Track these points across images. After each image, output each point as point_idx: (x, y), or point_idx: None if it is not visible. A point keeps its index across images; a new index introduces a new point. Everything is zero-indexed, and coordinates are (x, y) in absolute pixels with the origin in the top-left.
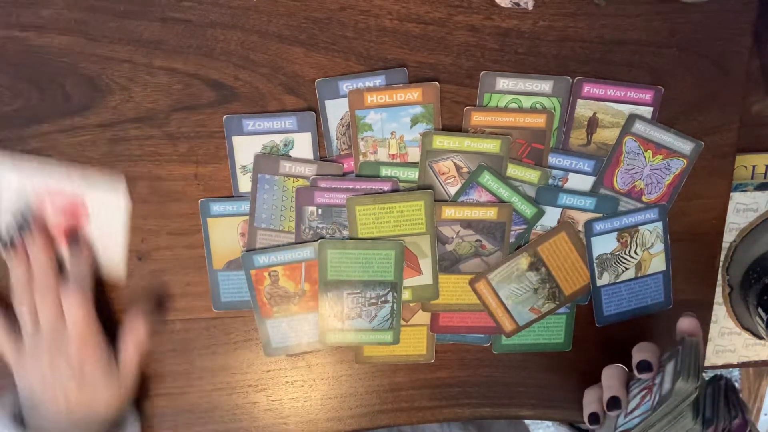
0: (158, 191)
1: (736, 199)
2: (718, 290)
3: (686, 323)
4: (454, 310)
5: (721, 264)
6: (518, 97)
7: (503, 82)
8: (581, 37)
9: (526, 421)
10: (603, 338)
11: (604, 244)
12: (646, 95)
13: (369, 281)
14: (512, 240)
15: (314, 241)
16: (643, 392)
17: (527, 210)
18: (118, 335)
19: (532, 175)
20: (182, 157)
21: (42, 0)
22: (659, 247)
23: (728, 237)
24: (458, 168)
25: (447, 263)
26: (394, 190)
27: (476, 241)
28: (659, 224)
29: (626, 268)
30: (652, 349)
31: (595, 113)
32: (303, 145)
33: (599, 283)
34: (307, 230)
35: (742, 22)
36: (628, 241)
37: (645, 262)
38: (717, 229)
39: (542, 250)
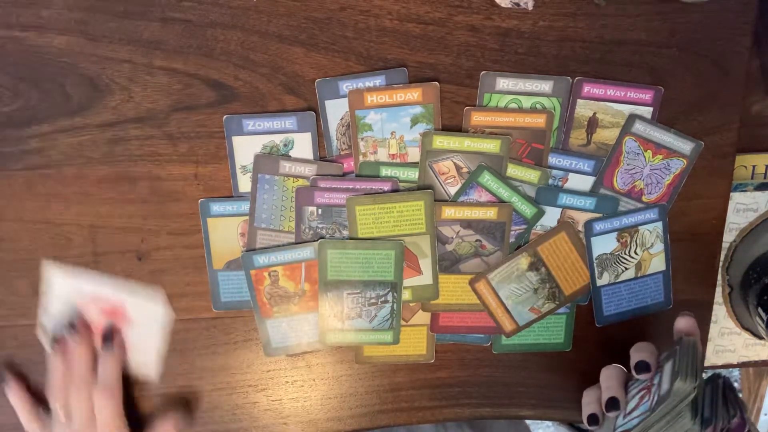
0: (158, 191)
1: (736, 199)
2: (718, 290)
3: (683, 323)
4: (454, 310)
5: (721, 264)
6: (518, 97)
7: (503, 82)
8: (581, 37)
9: (527, 421)
10: (603, 338)
11: (604, 244)
12: (646, 95)
13: (369, 281)
14: (512, 240)
15: (314, 241)
16: (642, 392)
17: (527, 210)
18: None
19: (532, 175)
20: (182, 157)
21: (42, 0)
22: (659, 247)
23: (728, 237)
24: (458, 168)
25: (447, 263)
26: (394, 190)
27: (476, 241)
28: (659, 224)
29: (626, 268)
30: (649, 349)
31: (595, 113)
32: (303, 145)
33: (599, 283)
34: (307, 230)
35: (742, 22)
36: (628, 241)
37: (645, 262)
38: (717, 229)
39: (542, 250)
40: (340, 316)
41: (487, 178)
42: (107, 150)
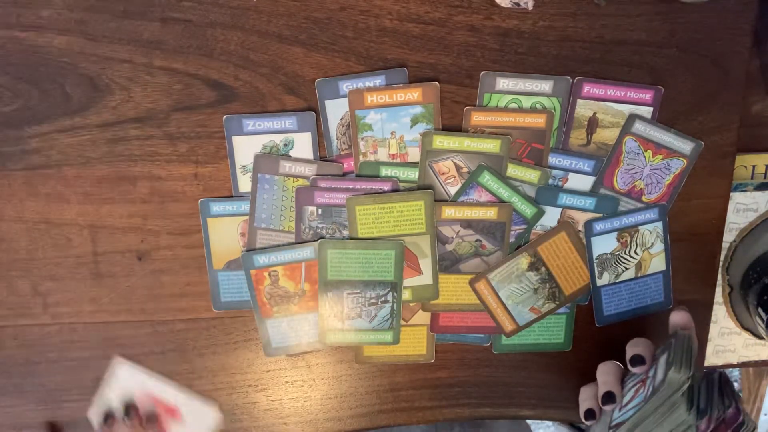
0: (158, 191)
1: (736, 199)
2: (718, 290)
3: (678, 317)
4: (454, 310)
5: (721, 264)
6: (518, 97)
7: (503, 82)
8: (581, 37)
9: (527, 421)
10: (603, 338)
11: (604, 244)
12: (646, 95)
13: (369, 281)
14: (512, 240)
15: (314, 241)
16: (638, 386)
17: (527, 210)
18: None
19: (532, 175)
20: (182, 157)
21: (42, 0)
22: (659, 247)
23: (728, 237)
24: (458, 168)
25: (447, 263)
26: (394, 190)
27: (476, 241)
28: (659, 224)
29: (626, 268)
30: (645, 343)
31: (595, 113)
32: (303, 145)
33: (599, 283)
34: (307, 230)
35: (742, 22)
36: (628, 241)
37: (645, 262)
38: (717, 229)
39: (542, 250)
40: (340, 316)
41: (487, 178)
42: (107, 150)
